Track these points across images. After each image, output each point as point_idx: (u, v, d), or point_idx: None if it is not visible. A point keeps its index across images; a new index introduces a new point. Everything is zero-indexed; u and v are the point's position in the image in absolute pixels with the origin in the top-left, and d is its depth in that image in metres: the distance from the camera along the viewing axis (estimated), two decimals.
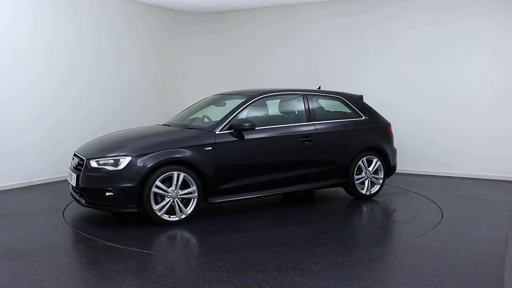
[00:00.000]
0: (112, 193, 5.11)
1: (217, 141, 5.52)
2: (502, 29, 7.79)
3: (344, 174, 6.41)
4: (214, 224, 5.47)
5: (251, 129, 5.66)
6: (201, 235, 5.11)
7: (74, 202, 6.36)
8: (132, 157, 5.17)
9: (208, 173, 5.43)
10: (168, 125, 6.36)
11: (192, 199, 5.38)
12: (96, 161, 5.27)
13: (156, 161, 5.17)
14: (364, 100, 6.99)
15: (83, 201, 5.35)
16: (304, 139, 6.09)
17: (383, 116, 7.02)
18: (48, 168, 7.78)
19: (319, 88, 7.12)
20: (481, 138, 8.05)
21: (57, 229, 5.26)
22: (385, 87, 8.65)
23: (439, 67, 8.30)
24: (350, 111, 6.67)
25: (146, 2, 9.37)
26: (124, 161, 5.17)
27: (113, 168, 5.16)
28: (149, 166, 5.14)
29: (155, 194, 5.19)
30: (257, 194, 5.85)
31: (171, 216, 5.29)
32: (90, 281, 3.77)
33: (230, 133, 5.64)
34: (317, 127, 6.25)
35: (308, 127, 6.19)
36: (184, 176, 5.28)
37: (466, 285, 3.70)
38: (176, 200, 5.28)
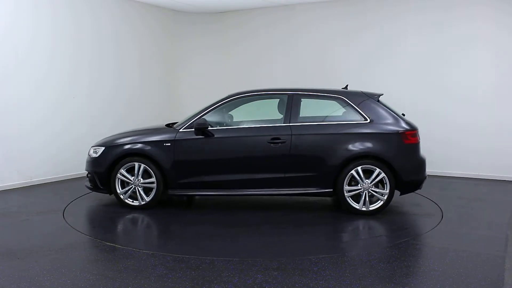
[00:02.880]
0: (92, 176, 6.14)
1: (176, 138, 5.92)
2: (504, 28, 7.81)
3: (329, 183, 5.77)
4: (218, 222, 5.50)
5: (204, 128, 5.84)
6: (204, 235, 5.11)
7: (74, 202, 6.43)
8: (104, 147, 6.08)
9: (166, 166, 5.89)
10: (170, 124, 6.60)
11: (153, 189, 5.94)
12: (93, 149, 6.23)
13: (119, 152, 6.00)
14: (379, 100, 6.09)
15: (88, 183, 6.33)
16: (273, 141, 5.78)
17: (407, 120, 5.93)
18: (48, 168, 7.77)
19: (346, 87, 6.49)
20: (482, 136, 8.06)
21: (57, 229, 5.26)
22: (386, 85, 8.63)
23: (441, 66, 8.31)
24: (351, 113, 5.92)
25: (146, 2, 9.37)
26: (100, 151, 6.11)
27: (94, 156, 6.13)
28: (113, 155, 6.00)
29: (122, 180, 5.99)
30: (220, 192, 5.95)
31: (134, 201, 6.01)
32: (90, 281, 3.76)
33: (194, 131, 5.91)
34: (293, 129, 5.81)
35: (280, 129, 5.83)
36: (144, 167, 5.92)
37: (466, 285, 3.70)
38: (137, 188, 5.96)
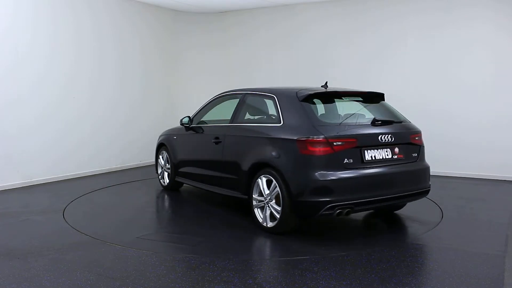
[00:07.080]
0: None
1: (178, 132, 6.90)
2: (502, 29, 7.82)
3: (245, 189, 5.32)
4: (227, 223, 5.50)
5: (183, 125, 6.65)
6: (205, 235, 5.11)
7: (74, 202, 6.43)
8: (159, 138, 7.55)
9: (173, 156, 6.97)
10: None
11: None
12: None
13: (158, 142, 7.48)
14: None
15: None
16: (215, 140, 5.91)
17: (318, 124, 4.74)
18: (48, 168, 7.77)
19: (326, 83, 5.82)
20: (482, 136, 8.06)
21: (57, 229, 5.26)
22: (385, 85, 8.63)
23: (441, 66, 8.32)
24: (274, 114, 5.29)
25: (147, 2, 9.37)
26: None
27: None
28: (157, 145, 7.50)
29: (161, 165, 7.35)
30: (198, 186, 6.44)
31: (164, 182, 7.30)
32: (90, 281, 3.76)
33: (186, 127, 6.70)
34: (229, 129, 5.73)
35: (221, 129, 5.91)
36: (167, 155, 7.11)
37: (466, 285, 3.70)
38: (164, 172, 7.26)
